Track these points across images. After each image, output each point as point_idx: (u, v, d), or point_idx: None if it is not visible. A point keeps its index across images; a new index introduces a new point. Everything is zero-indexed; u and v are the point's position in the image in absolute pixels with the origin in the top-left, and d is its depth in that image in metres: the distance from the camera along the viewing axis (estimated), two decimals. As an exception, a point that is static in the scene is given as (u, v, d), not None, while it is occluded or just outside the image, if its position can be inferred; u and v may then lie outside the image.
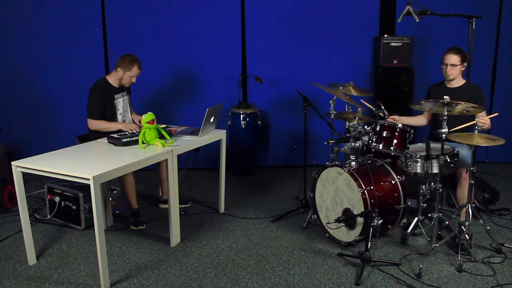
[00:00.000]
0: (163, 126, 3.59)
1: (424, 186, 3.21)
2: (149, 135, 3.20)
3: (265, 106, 5.10)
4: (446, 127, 2.85)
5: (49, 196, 3.65)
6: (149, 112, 3.26)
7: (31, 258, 2.98)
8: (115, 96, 3.63)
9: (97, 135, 3.51)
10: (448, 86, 3.61)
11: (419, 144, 3.50)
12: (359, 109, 3.50)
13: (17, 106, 4.99)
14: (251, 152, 4.94)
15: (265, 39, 4.94)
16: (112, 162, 2.80)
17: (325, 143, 3.33)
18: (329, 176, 3.29)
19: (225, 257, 3.09)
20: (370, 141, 3.24)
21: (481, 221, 3.30)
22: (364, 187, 3.02)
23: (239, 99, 4.95)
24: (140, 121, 3.58)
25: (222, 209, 3.92)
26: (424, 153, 3.12)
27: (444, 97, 2.85)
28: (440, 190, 3.01)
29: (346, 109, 3.67)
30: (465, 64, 3.52)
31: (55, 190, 3.62)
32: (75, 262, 3.02)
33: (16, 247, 3.23)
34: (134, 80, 3.65)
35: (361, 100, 3.74)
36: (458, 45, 3.54)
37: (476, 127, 2.95)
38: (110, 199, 3.62)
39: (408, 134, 3.18)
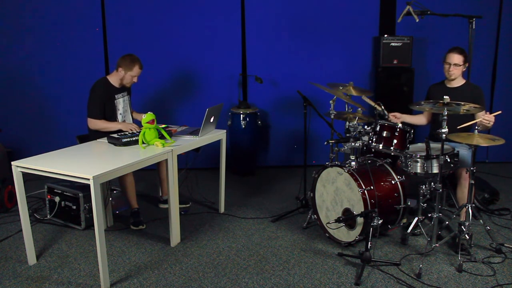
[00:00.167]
0: (163, 126, 3.59)
1: (424, 186, 3.21)
2: (149, 135, 3.20)
3: (265, 106, 5.10)
4: (446, 127, 2.85)
5: (49, 196, 3.66)
6: (149, 112, 3.26)
7: (31, 258, 2.98)
8: (115, 96, 3.63)
9: (97, 135, 3.51)
10: (448, 86, 3.61)
11: (419, 144, 3.50)
12: (359, 109, 3.50)
13: (17, 106, 4.99)
14: (251, 152, 4.94)
15: (265, 39, 4.94)
16: (112, 162, 2.79)
17: (325, 143, 3.33)
18: (329, 176, 3.29)
19: (225, 257, 3.09)
20: (370, 141, 3.24)
21: (481, 221, 3.30)
22: (364, 187, 3.02)
23: (239, 99, 4.95)
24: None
25: (222, 209, 3.92)
26: (424, 153, 3.12)
27: (444, 97, 2.85)
28: (440, 190, 3.01)
29: (346, 109, 3.67)
30: (467, 65, 3.53)
31: (55, 190, 3.62)
32: (75, 262, 3.02)
33: (16, 247, 3.23)
34: (135, 80, 3.66)
35: (364, 97, 3.70)
36: (458, 45, 3.55)
37: (477, 127, 2.94)
38: (110, 199, 3.62)
39: (408, 134, 3.18)
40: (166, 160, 3.12)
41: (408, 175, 3.22)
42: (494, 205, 3.92)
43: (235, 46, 4.95)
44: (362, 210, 2.98)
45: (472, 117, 3.35)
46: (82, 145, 3.32)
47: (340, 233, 3.23)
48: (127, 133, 3.38)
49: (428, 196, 3.24)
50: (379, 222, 2.88)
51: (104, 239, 2.59)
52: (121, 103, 3.69)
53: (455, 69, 3.47)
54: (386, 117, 3.50)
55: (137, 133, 3.28)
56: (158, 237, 3.39)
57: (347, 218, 3.08)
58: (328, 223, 3.22)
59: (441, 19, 4.13)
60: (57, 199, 3.59)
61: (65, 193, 3.57)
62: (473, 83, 3.66)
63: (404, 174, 3.24)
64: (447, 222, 3.26)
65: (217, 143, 3.76)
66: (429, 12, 3.88)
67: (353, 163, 3.18)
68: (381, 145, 3.20)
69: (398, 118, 3.59)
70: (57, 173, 2.63)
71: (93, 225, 2.61)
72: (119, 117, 3.68)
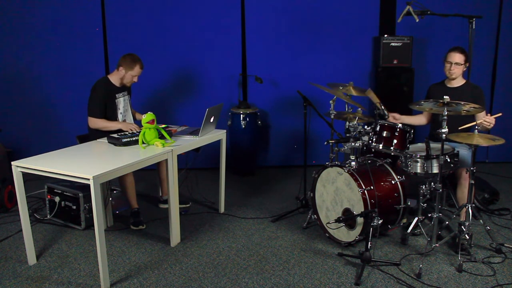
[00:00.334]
0: (163, 126, 3.59)
1: (424, 186, 3.21)
2: (149, 135, 3.20)
3: (265, 106, 5.10)
4: (446, 127, 2.85)
5: (49, 196, 3.66)
6: (149, 112, 3.26)
7: (31, 258, 2.98)
8: (116, 95, 3.63)
9: (97, 135, 3.51)
10: (449, 85, 3.61)
11: (419, 144, 3.50)
12: (359, 109, 3.50)
13: (17, 106, 4.99)
14: (251, 152, 4.94)
15: (265, 39, 4.94)
16: (112, 162, 2.79)
17: (325, 143, 3.33)
18: (329, 176, 3.29)
19: (225, 257, 3.09)
20: (370, 141, 3.24)
21: (481, 221, 3.30)
22: (364, 187, 3.02)
23: (239, 99, 4.95)
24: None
25: (222, 209, 3.92)
26: (424, 153, 3.12)
27: (444, 97, 2.85)
28: (440, 190, 3.01)
29: (346, 109, 3.67)
30: (467, 64, 3.53)
31: (55, 190, 3.62)
32: (75, 262, 3.02)
33: (16, 247, 3.23)
34: (135, 79, 3.66)
35: (368, 91, 3.65)
36: (458, 45, 3.55)
37: (477, 127, 2.94)
38: (110, 199, 3.62)
39: (408, 134, 3.18)
40: (166, 160, 3.12)
41: (408, 175, 3.22)
42: (494, 205, 3.92)
43: (235, 46, 4.95)
44: (362, 210, 2.98)
45: (472, 117, 3.35)
46: (82, 145, 3.32)
47: (340, 233, 3.23)
48: (127, 133, 3.38)
49: (428, 196, 3.24)
50: (379, 222, 2.88)
51: (104, 239, 2.59)
52: (122, 102, 3.69)
53: (456, 68, 3.47)
54: (386, 117, 3.49)
55: (137, 133, 3.28)
56: (158, 237, 3.39)
57: (347, 218, 3.08)
58: (328, 223, 3.22)
59: (441, 19, 4.13)
60: (57, 199, 3.59)
61: (65, 193, 3.57)
62: (473, 83, 3.66)
63: (404, 174, 3.24)
64: (447, 222, 3.26)
65: (217, 143, 3.76)
66: (429, 12, 3.88)
67: (353, 163, 3.18)
68: (381, 145, 3.20)
69: (397, 120, 3.59)
70: (57, 173, 2.63)
71: (93, 225, 2.61)
72: (120, 116, 3.68)
